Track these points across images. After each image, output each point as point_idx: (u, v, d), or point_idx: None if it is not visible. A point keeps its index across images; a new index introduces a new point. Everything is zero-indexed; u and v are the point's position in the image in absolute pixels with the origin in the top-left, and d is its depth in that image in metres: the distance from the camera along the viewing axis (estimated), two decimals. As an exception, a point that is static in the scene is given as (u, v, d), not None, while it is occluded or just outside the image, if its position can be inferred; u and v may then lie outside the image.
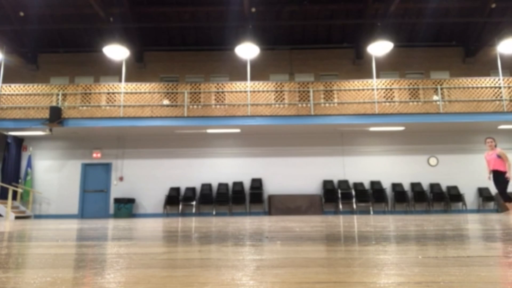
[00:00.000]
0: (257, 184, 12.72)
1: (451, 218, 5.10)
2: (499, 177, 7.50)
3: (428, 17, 13.29)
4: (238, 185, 12.77)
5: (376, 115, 11.51)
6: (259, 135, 13.14)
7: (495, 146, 7.82)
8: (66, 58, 14.57)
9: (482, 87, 11.85)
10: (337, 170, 12.99)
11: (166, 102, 12.20)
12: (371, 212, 12.56)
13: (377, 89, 11.88)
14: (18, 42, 14.05)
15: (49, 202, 12.84)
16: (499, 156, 7.53)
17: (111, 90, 12.12)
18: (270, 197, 12.34)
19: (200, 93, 12.23)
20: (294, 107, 11.93)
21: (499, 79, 11.86)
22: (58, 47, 14.50)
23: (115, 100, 12.17)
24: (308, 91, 11.99)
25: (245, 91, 11.91)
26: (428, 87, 12.14)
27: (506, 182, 7.42)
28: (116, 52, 11.43)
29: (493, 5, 12.66)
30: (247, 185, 12.86)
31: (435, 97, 12.25)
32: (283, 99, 12.06)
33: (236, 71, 14.20)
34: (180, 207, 12.61)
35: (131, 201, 12.45)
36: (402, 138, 13.21)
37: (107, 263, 1.17)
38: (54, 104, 11.85)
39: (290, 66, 14.48)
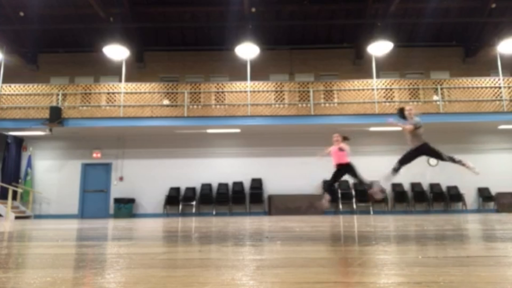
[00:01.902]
0: (257, 184, 12.71)
1: (451, 218, 5.10)
2: (345, 168, 7.91)
3: (428, 17, 13.28)
4: (238, 185, 12.76)
5: (376, 115, 11.50)
6: (259, 135, 13.12)
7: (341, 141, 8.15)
8: (66, 58, 14.56)
9: (482, 87, 11.85)
10: (337, 170, 12.96)
11: (166, 102, 12.20)
12: (371, 212, 12.55)
13: (377, 89, 11.87)
14: (18, 42, 14.04)
15: (49, 202, 12.84)
16: (340, 150, 7.90)
17: (111, 90, 12.12)
18: (270, 197, 12.33)
19: (200, 93, 12.23)
20: (294, 107, 11.93)
21: (499, 79, 11.85)
22: (58, 47, 14.49)
23: (115, 100, 12.17)
24: (308, 91, 11.98)
25: (245, 91, 11.90)
26: (428, 87, 12.13)
27: (350, 170, 7.85)
28: (116, 52, 11.42)
29: (493, 5, 12.64)
30: (247, 185, 12.84)
31: (435, 97, 12.24)
32: (283, 99, 12.05)
33: (236, 71, 14.17)
34: (180, 207, 12.60)
35: (131, 201, 12.45)
36: (402, 138, 13.16)
37: (107, 263, 1.17)
38: (54, 104, 11.85)
39: (290, 66, 14.47)
